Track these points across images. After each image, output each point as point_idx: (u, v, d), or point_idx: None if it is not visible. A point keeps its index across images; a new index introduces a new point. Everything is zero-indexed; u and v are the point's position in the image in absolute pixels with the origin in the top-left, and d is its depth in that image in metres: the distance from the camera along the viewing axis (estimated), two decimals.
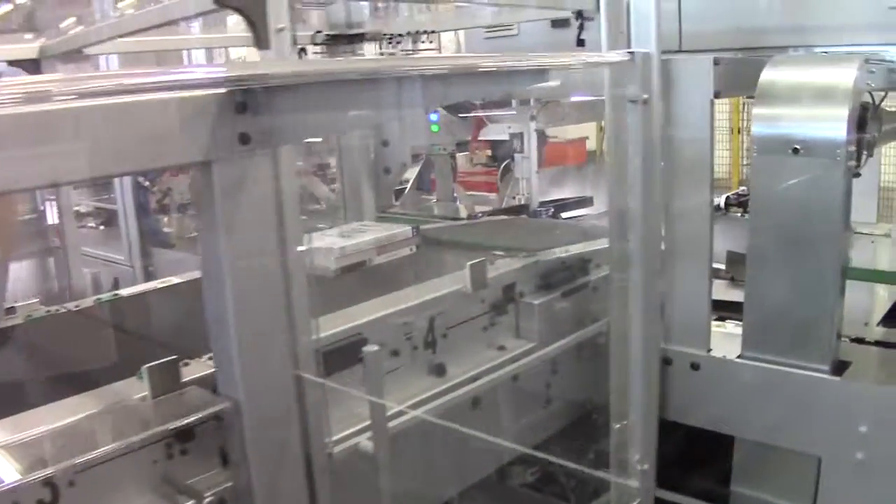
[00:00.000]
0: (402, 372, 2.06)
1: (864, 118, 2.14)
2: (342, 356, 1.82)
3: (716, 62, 2.21)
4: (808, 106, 2.07)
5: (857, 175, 2.32)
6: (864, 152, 2.28)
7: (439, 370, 2.17)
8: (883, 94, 2.39)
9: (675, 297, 2.41)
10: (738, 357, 2.30)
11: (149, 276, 3.94)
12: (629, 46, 2.06)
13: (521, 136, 4.20)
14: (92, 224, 4.73)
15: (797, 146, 2.04)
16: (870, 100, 2.26)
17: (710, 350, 2.38)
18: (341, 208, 3.60)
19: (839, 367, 2.17)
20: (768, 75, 2.13)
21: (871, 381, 2.20)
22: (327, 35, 3.23)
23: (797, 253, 2.12)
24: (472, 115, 4.42)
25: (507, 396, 2.28)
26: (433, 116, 4.12)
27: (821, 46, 2.44)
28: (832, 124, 2.00)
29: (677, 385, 2.43)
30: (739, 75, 2.27)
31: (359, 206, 3.52)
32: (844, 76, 2.03)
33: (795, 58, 2.26)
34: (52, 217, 3.69)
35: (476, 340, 2.29)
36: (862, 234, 3.79)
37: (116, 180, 4.03)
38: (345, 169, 3.56)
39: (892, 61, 2.33)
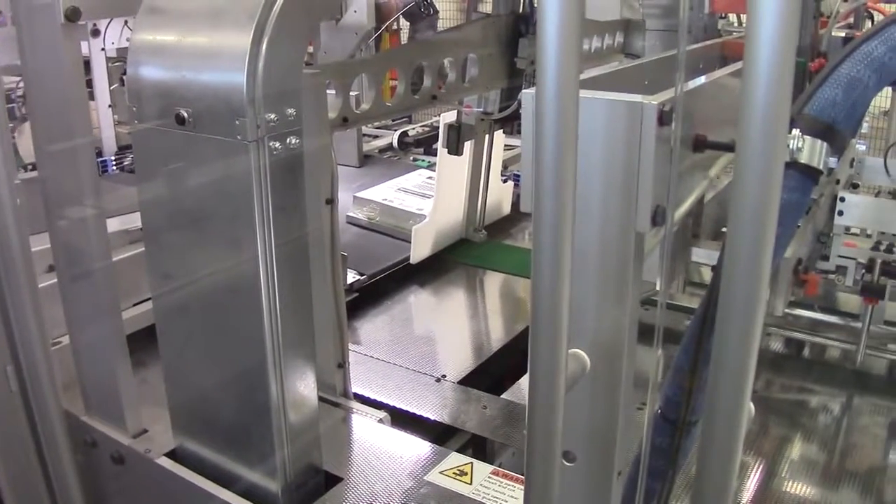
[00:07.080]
0: None
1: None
2: None
3: None
4: (200, 32, 1.09)
5: None
6: None
7: None
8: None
9: (83, 341, 1.45)
10: (171, 453, 1.39)
11: None
12: None
13: None
14: None
15: (184, 112, 1.07)
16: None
17: (140, 433, 1.45)
18: None
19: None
20: None
21: None
22: None
23: (212, 304, 1.19)
24: None
25: None
26: None
27: None
28: (222, 69, 1.04)
29: (104, 483, 1.49)
30: None
31: None
32: None
33: None
34: None
35: None
36: None
37: None
38: None
39: None
